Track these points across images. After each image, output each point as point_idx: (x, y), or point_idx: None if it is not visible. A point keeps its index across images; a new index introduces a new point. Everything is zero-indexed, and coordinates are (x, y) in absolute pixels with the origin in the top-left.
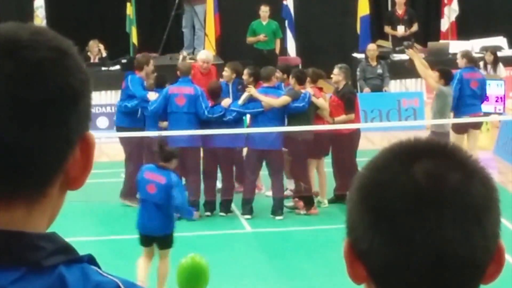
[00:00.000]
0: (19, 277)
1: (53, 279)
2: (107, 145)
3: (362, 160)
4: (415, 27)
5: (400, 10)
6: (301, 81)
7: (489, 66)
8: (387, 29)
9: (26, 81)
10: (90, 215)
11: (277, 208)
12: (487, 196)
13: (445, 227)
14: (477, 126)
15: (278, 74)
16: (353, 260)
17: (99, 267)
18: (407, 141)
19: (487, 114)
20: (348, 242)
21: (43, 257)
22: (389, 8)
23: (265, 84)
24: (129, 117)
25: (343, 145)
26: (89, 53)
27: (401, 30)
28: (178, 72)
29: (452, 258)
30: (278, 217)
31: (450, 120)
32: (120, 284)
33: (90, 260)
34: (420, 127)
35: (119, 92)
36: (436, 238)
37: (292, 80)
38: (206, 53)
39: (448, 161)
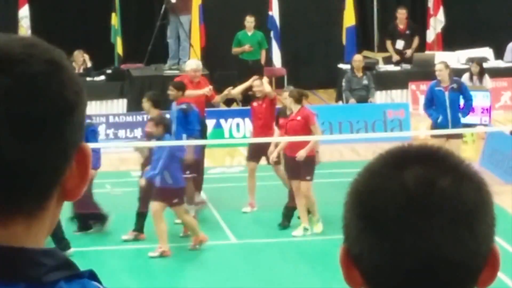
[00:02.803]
0: None
1: None
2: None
3: (347, 172)
4: (416, 42)
5: (401, 25)
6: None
7: (475, 77)
8: (388, 44)
9: (23, 97)
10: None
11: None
12: (479, 201)
13: (434, 231)
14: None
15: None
16: (348, 265)
17: (100, 283)
18: (400, 147)
19: (472, 125)
20: (344, 247)
21: (43, 273)
22: (375, 19)
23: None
24: None
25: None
26: (73, 63)
27: (400, 44)
28: None
29: (442, 263)
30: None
31: (435, 131)
32: None
33: (91, 275)
34: (406, 138)
35: (104, 102)
36: (425, 242)
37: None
38: (196, 62)
39: (438, 166)
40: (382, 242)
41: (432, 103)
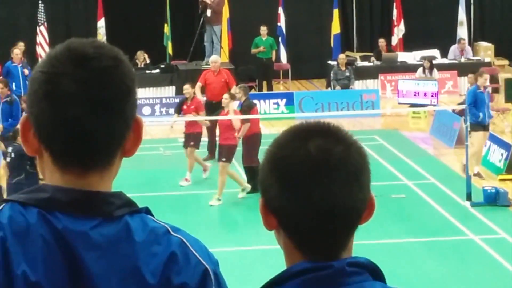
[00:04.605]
0: (97, 224)
1: (121, 225)
2: (149, 127)
3: None
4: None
5: (383, 50)
6: None
7: (426, 71)
8: (372, 58)
9: (96, 84)
10: (136, 178)
11: None
12: (362, 162)
13: (333, 186)
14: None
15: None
16: (266, 214)
17: (153, 217)
18: (302, 124)
19: (425, 105)
20: (262, 200)
21: (113, 209)
22: (355, 29)
23: None
24: None
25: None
26: (137, 61)
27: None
28: None
29: (340, 208)
30: None
31: (399, 110)
32: (169, 228)
33: (147, 211)
34: (376, 114)
35: (158, 89)
36: (328, 194)
37: None
38: (214, 56)
39: (332, 137)
40: (296, 196)
41: (476, 104)
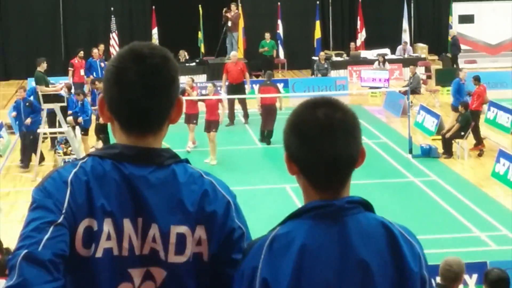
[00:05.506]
0: (152, 170)
1: (169, 171)
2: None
3: None
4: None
5: (352, 50)
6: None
7: (381, 64)
8: (344, 55)
9: (150, 75)
10: (178, 139)
11: None
12: (355, 123)
13: (337, 142)
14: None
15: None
16: (289, 163)
17: (191, 165)
18: (311, 99)
19: (380, 87)
20: (287, 154)
21: (164, 160)
22: (331, 35)
23: None
24: None
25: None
26: (179, 57)
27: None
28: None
29: (341, 157)
30: None
31: (369, 90)
32: (202, 173)
33: (187, 161)
34: (345, 94)
35: (194, 76)
36: (333, 148)
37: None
38: (234, 52)
39: (333, 106)
40: (309, 149)
41: (459, 92)
